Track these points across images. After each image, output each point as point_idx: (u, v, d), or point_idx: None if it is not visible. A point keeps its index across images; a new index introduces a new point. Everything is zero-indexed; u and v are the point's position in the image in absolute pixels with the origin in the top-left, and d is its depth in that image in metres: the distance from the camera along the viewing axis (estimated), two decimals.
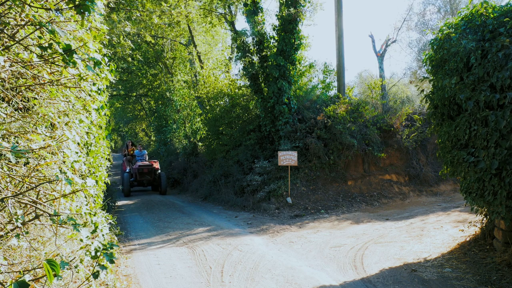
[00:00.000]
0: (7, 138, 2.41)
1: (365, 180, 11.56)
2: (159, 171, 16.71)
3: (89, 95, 3.60)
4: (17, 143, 2.39)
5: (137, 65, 19.79)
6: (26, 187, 2.33)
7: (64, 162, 2.80)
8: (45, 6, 2.30)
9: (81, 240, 2.48)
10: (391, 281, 4.75)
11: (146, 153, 17.95)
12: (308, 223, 8.66)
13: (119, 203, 13.04)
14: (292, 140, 11.52)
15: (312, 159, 11.24)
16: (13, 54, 2.47)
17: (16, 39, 2.37)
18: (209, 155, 15.26)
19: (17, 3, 2.19)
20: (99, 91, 3.96)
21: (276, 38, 11.84)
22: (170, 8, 10.48)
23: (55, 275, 1.76)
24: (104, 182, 5.16)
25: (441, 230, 7.15)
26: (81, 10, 2.18)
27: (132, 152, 17.31)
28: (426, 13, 18.41)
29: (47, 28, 2.12)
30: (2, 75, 2.34)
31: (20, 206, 2.41)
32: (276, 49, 11.74)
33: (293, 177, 10.98)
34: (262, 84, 12.13)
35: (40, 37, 2.47)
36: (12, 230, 2.22)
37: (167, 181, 16.87)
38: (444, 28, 5.36)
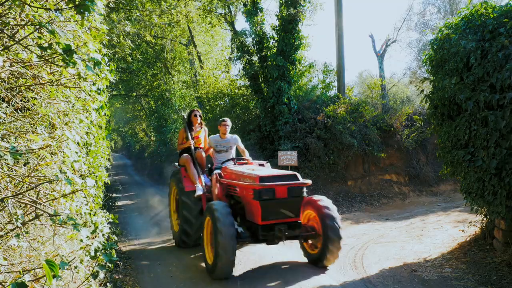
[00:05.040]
0: (6, 138, 2.41)
1: (365, 180, 11.56)
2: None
3: (89, 95, 3.60)
4: (18, 142, 2.39)
5: (136, 65, 19.77)
6: (26, 187, 2.33)
7: (64, 162, 2.80)
8: (45, 6, 2.29)
9: (81, 240, 2.48)
10: (391, 281, 4.75)
11: (239, 140, 6.85)
12: None
13: (119, 203, 13.03)
14: (292, 140, 11.52)
15: (312, 159, 11.24)
16: (13, 54, 2.47)
17: (16, 39, 2.37)
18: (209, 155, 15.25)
19: (17, 3, 2.19)
20: (99, 91, 3.97)
21: (276, 38, 11.84)
22: (169, 8, 10.48)
23: (54, 276, 1.76)
24: (104, 182, 5.16)
25: (441, 230, 7.15)
26: (81, 10, 2.18)
27: (198, 139, 6.95)
28: (426, 13, 18.40)
29: (47, 28, 2.12)
30: (2, 75, 2.34)
31: (20, 206, 2.41)
32: (276, 49, 11.74)
33: None
34: (262, 84, 12.12)
35: (39, 37, 2.47)
36: (12, 230, 2.22)
37: None
38: (444, 28, 5.36)
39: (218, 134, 6.64)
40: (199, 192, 6.19)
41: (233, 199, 5.77)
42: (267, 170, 5.85)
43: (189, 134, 6.74)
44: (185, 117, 6.98)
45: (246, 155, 6.68)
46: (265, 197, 4.89)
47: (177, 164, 6.92)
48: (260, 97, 12.20)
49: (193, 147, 6.68)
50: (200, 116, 6.94)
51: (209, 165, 6.75)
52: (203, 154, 6.77)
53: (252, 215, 5.15)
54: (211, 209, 4.98)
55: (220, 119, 6.70)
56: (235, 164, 6.33)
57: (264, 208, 4.94)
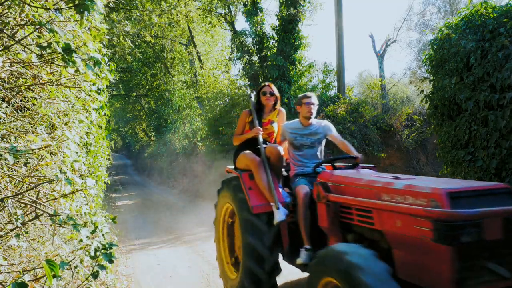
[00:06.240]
0: (6, 138, 2.41)
1: None
2: None
3: (89, 95, 3.60)
4: (18, 142, 2.39)
5: (136, 65, 19.77)
6: (26, 187, 2.33)
7: (64, 162, 2.80)
8: (45, 6, 2.29)
9: (81, 240, 2.48)
10: None
11: (333, 128, 4.02)
12: None
13: (119, 203, 13.04)
14: None
15: None
16: (13, 54, 2.47)
17: (16, 39, 2.37)
18: (209, 155, 15.25)
19: (17, 2, 2.19)
20: (99, 91, 3.97)
21: (276, 38, 11.84)
22: (169, 7, 10.48)
23: (54, 276, 1.76)
24: (104, 182, 5.17)
25: None
26: (81, 10, 2.18)
27: (269, 128, 4.16)
28: (426, 13, 18.44)
29: (46, 28, 2.12)
30: (2, 75, 2.34)
31: (20, 206, 2.41)
32: (276, 49, 11.75)
33: None
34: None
35: (39, 37, 2.47)
36: (12, 230, 2.22)
37: None
38: (444, 28, 5.37)
39: (297, 120, 4.09)
40: (280, 217, 3.45)
41: (354, 235, 3.07)
42: (440, 180, 2.75)
43: (256, 119, 4.02)
44: (253, 99, 4.22)
45: (352, 151, 3.65)
46: (465, 238, 2.22)
47: (232, 167, 4.22)
48: None
49: (261, 140, 3.90)
50: (273, 93, 4.18)
51: (283, 168, 4.07)
52: (281, 151, 3.79)
53: (427, 275, 2.41)
54: (344, 270, 2.26)
55: (300, 95, 4.04)
56: (335, 168, 3.59)
57: (462, 262, 2.26)
